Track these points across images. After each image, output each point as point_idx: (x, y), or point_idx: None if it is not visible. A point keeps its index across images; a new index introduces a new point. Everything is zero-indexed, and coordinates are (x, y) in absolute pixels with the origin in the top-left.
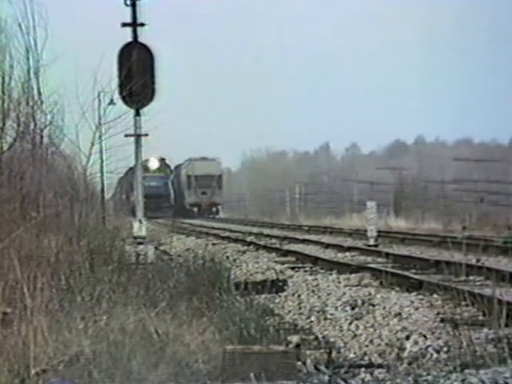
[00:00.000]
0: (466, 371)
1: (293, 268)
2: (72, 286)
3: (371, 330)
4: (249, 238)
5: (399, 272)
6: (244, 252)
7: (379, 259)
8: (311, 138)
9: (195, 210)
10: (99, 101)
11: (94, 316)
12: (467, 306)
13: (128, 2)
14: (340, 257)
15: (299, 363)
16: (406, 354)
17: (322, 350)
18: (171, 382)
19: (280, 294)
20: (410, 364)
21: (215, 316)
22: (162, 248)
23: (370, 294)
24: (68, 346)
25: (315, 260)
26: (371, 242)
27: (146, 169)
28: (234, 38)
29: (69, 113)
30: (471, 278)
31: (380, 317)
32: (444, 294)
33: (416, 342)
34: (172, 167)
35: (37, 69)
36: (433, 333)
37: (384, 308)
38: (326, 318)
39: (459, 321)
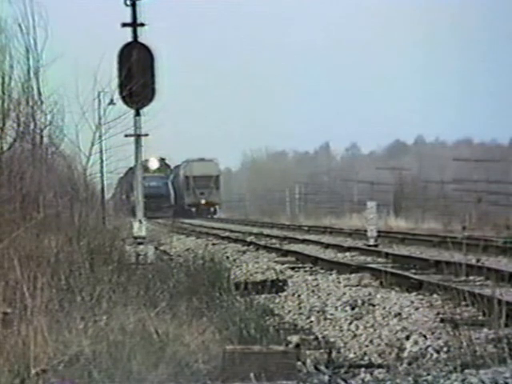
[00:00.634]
0: (466, 371)
1: (293, 268)
2: (72, 286)
3: (371, 330)
4: (249, 238)
5: (399, 272)
6: (244, 252)
7: (379, 259)
8: (311, 138)
9: (193, 210)
10: (99, 101)
11: (94, 316)
12: (467, 306)
13: (128, 2)
14: (340, 257)
15: (299, 363)
16: (405, 354)
17: (321, 350)
18: (171, 382)
19: (280, 294)
20: (409, 364)
21: (215, 316)
22: (161, 248)
23: (369, 294)
24: (68, 346)
25: (315, 260)
26: (371, 242)
27: (145, 169)
28: (234, 38)
29: (69, 113)
30: (471, 277)
31: (380, 317)
32: (444, 294)
33: (416, 342)
34: (172, 167)
35: (37, 69)
36: (433, 333)
37: (384, 308)
38: (325, 318)
39: (459, 321)
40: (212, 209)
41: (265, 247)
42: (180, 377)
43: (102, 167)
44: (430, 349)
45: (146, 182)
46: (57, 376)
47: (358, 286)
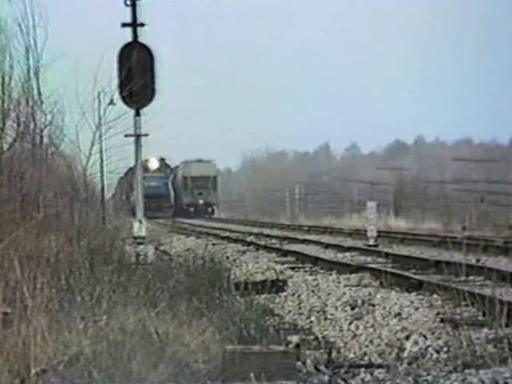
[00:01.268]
0: (466, 371)
1: (293, 268)
2: (72, 286)
3: (371, 330)
4: (249, 238)
5: (399, 272)
6: (244, 252)
7: (379, 259)
8: (311, 138)
9: (191, 209)
10: (99, 101)
11: (94, 316)
12: (467, 306)
13: (128, 2)
14: (340, 257)
15: (299, 363)
16: (405, 354)
17: (321, 350)
18: (171, 382)
19: (280, 294)
20: (409, 364)
21: (215, 316)
22: (161, 248)
23: (369, 294)
24: (68, 346)
25: (315, 260)
26: (371, 242)
27: (145, 169)
28: (234, 38)
29: (69, 113)
30: (471, 278)
31: (380, 317)
32: (444, 294)
33: (416, 342)
34: (172, 167)
35: (37, 69)
36: (433, 333)
37: (384, 308)
38: (325, 318)
39: (459, 321)
40: (210, 209)
41: (265, 247)
42: (180, 377)
43: (102, 167)
44: (430, 349)
45: (146, 182)
46: (57, 376)
47: (358, 286)
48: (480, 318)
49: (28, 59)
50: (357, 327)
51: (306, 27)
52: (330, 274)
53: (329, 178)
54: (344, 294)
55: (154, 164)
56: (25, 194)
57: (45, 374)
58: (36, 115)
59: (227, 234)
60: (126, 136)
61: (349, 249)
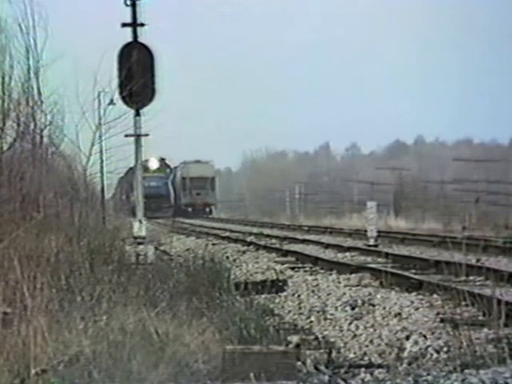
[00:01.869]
0: (466, 371)
1: (293, 268)
2: (72, 286)
3: (371, 330)
4: (249, 238)
5: (399, 272)
6: (244, 252)
7: (379, 259)
8: (311, 138)
9: (190, 209)
10: (99, 101)
11: (94, 316)
12: (467, 306)
13: (128, 2)
14: (340, 257)
15: (299, 363)
16: (405, 354)
17: (321, 350)
18: (171, 382)
19: (280, 294)
20: (409, 364)
21: (215, 316)
22: (162, 248)
23: (369, 294)
24: (68, 346)
25: (315, 260)
26: (371, 242)
27: (145, 169)
28: (234, 38)
29: (69, 113)
30: (471, 278)
31: (380, 317)
32: (444, 294)
33: (416, 342)
34: (172, 167)
35: (37, 69)
36: (433, 333)
37: (384, 308)
38: (325, 318)
39: (459, 321)
40: (208, 209)
41: (265, 247)
42: (180, 377)
43: (102, 167)
44: (429, 349)
45: (146, 182)
46: (57, 376)
47: (358, 286)
48: (480, 318)
49: (28, 59)
50: (357, 327)
51: (306, 27)
52: (330, 274)
53: (329, 177)
54: (344, 294)
55: (153, 164)
56: (25, 194)
57: (45, 374)
58: (36, 115)
59: (227, 234)
60: (126, 136)
61: (349, 249)
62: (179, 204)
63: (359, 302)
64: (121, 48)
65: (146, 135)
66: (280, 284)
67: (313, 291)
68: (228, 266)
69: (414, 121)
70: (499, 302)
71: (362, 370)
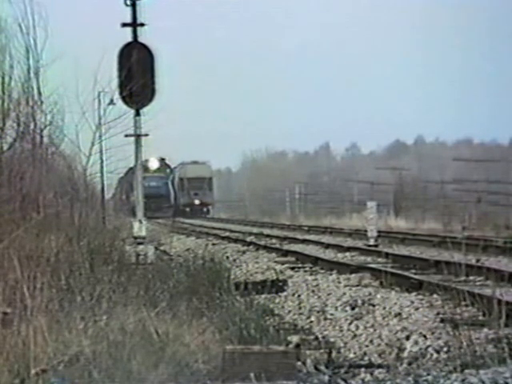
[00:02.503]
0: (466, 371)
1: (293, 268)
2: (72, 286)
3: (371, 330)
4: (249, 238)
5: (399, 272)
6: (244, 252)
7: (379, 259)
8: (311, 138)
9: (188, 209)
10: (99, 101)
11: (94, 316)
12: (467, 306)
13: (128, 2)
14: (340, 257)
15: (299, 363)
16: (405, 354)
17: (321, 350)
18: (171, 382)
19: (280, 294)
20: (409, 364)
21: (215, 316)
22: (162, 248)
23: (369, 294)
24: (68, 346)
25: (315, 260)
26: (371, 242)
27: (145, 169)
28: (234, 38)
29: (69, 113)
30: (471, 278)
31: (380, 317)
32: (444, 294)
33: (416, 342)
34: (172, 167)
35: (37, 69)
36: (433, 333)
37: (384, 308)
38: (325, 318)
39: (459, 321)
40: (205, 209)
41: (265, 247)
42: (180, 377)
43: (102, 167)
44: (430, 349)
45: (146, 182)
46: (57, 376)
47: (358, 286)
48: (480, 318)
49: (28, 59)
50: (357, 327)
51: (306, 27)
52: (330, 274)
53: (329, 177)
54: (344, 294)
55: (154, 164)
56: (25, 194)
57: (45, 374)
58: (36, 115)
59: (227, 234)
60: (126, 136)
61: (349, 249)
62: (177, 204)
63: (359, 302)
64: (121, 48)
65: (146, 135)
66: (280, 284)
67: (313, 291)
68: (228, 266)
69: (414, 121)
70: (499, 302)
71: (362, 370)
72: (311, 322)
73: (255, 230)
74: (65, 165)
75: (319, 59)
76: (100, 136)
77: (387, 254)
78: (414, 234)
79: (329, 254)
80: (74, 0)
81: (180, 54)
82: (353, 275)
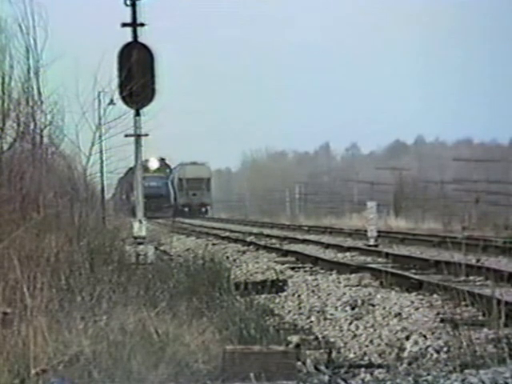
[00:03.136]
0: (466, 371)
1: (293, 268)
2: (72, 286)
3: (371, 330)
4: (249, 238)
5: (399, 272)
6: (244, 252)
7: (379, 259)
8: (311, 138)
9: (186, 209)
10: (99, 101)
11: (94, 316)
12: (467, 306)
13: (128, 2)
14: (340, 257)
15: (299, 363)
16: (405, 354)
17: (321, 350)
18: (171, 382)
19: (280, 294)
20: (409, 364)
21: (215, 316)
22: (162, 248)
23: (369, 294)
24: (68, 346)
25: (315, 260)
26: (371, 242)
27: (145, 169)
28: (234, 38)
29: (69, 113)
30: (471, 278)
31: (380, 317)
32: (444, 294)
33: (416, 342)
34: (172, 167)
35: (37, 69)
36: (433, 333)
37: (384, 308)
38: (325, 318)
39: (459, 321)
40: (203, 209)
41: (265, 247)
42: (180, 377)
43: (102, 167)
44: (430, 349)
45: (146, 182)
46: (57, 376)
47: (358, 286)
48: (480, 318)
49: (28, 59)
50: (357, 327)
51: (306, 27)
52: (330, 274)
53: (329, 178)
54: (344, 294)
55: (153, 164)
56: (25, 194)
57: (45, 374)
58: (36, 115)
59: (227, 234)
60: (126, 136)
61: (349, 249)
62: (176, 204)
63: (359, 302)
64: (121, 48)
65: (146, 135)
66: (280, 284)
67: (313, 291)
68: (228, 266)
69: (413, 121)
70: (499, 302)
71: (362, 370)
72: (311, 321)
73: (255, 230)
74: (65, 165)
75: (319, 59)
76: (100, 136)
77: (387, 254)
78: (413, 234)
79: (329, 254)
80: (73, 0)
81: (180, 54)
82: (353, 275)
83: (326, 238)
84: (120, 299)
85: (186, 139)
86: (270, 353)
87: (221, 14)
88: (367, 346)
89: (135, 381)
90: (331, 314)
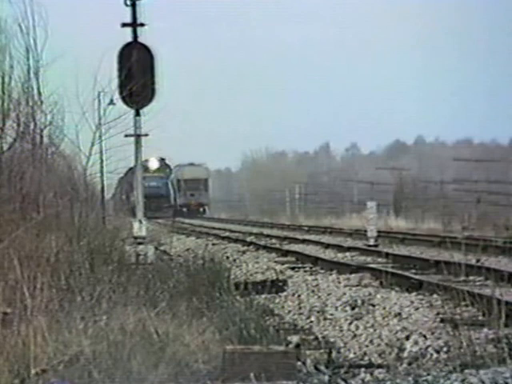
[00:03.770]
0: (466, 371)
1: (293, 268)
2: (72, 286)
3: (371, 330)
4: (249, 238)
5: (399, 272)
6: (244, 252)
7: (379, 259)
8: (311, 138)
9: (185, 210)
10: (99, 101)
11: (94, 316)
12: (467, 306)
13: (128, 2)
14: (340, 257)
15: (299, 363)
16: (405, 354)
17: (321, 350)
18: (171, 382)
19: (280, 294)
20: (409, 364)
21: (215, 316)
22: (162, 248)
23: (369, 294)
24: (68, 346)
25: (315, 260)
26: (371, 242)
27: (145, 169)
28: (234, 38)
29: (69, 113)
30: (471, 278)
31: (380, 317)
32: (444, 294)
33: (416, 342)
34: (172, 167)
35: (37, 69)
36: (433, 333)
37: (384, 308)
38: (325, 318)
39: (459, 321)
40: (201, 209)
41: (265, 247)
42: (180, 377)
43: (101, 167)
44: (429, 349)
45: (146, 182)
46: (57, 376)
47: (358, 286)
48: (480, 318)
49: (28, 59)
50: (357, 327)
51: (306, 27)
52: (330, 274)
53: (329, 178)
54: (344, 294)
55: (153, 164)
56: (25, 194)
57: (45, 374)
58: (36, 115)
59: (227, 234)
60: (126, 136)
61: (349, 249)
62: (176, 204)
63: (359, 301)
64: (121, 48)
65: (146, 135)
66: (280, 284)
67: (313, 291)
68: (228, 266)
69: (413, 121)
70: (499, 301)
71: (362, 370)
72: (311, 322)
73: (255, 230)
74: (65, 165)
75: (319, 59)
76: (100, 136)
77: (387, 254)
78: (413, 233)
79: (329, 254)
80: (73, 0)
81: (180, 54)
82: (353, 275)
83: (325, 238)
84: (120, 299)
85: (186, 139)
86: (270, 353)
87: (221, 14)
88: (367, 346)
89: (135, 381)
90: (331, 314)
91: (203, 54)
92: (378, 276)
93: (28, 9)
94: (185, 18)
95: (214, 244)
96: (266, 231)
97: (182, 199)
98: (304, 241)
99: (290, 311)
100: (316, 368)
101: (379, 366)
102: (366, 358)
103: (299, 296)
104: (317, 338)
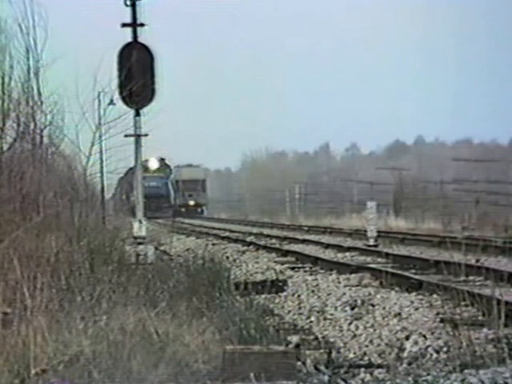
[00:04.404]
0: (466, 371)
1: (293, 268)
2: (72, 286)
3: (371, 330)
4: (249, 238)
5: (399, 272)
6: (244, 252)
7: (379, 259)
8: (311, 138)
9: (183, 210)
10: (99, 101)
11: (94, 316)
12: (467, 306)
13: (128, 2)
14: (340, 257)
15: (299, 363)
16: (405, 354)
17: (321, 350)
18: (171, 382)
19: (280, 294)
20: (409, 364)
21: (215, 316)
22: (161, 248)
23: (369, 294)
24: (68, 346)
25: (315, 260)
26: (371, 242)
27: (145, 169)
28: (235, 38)
29: (69, 113)
30: (471, 278)
31: (380, 317)
32: (444, 294)
33: (416, 342)
34: (172, 167)
35: (37, 69)
36: (432, 333)
37: (384, 308)
38: (325, 318)
39: (459, 321)
40: (199, 209)
41: (265, 247)
42: (180, 377)
43: (101, 167)
44: (429, 349)
45: (146, 182)
46: (57, 376)
47: (357, 286)
48: (480, 318)
49: (28, 59)
50: (357, 327)
51: (306, 28)
52: (330, 274)
53: (329, 178)
54: (344, 294)
55: (153, 164)
56: (25, 194)
57: (45, 374)
58: (36, 115)
59: (227, 234)
60: (126, 136)
61: (349, 249)
62: (175, 204)
63: (359, 301)
64: (121, 48)
65: (146, 135)
66: (280, 284)
67: (313, 291)
68: (228, 266)
69: (414, 121)
70: (499, 302)
71: (362, 370)
72: (311, 322)
73: (255, 230)
74: (65, 165)
75: (319, 59)
76: (100, 136)
77: (387, 254)
78: (413, 234)
79: (329, 254)
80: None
81: (180, 54)
82: (353, 275)
83: (325, 238)
84: (120, 299)
85: (186, 139)
86: (270, 353)
87: (221, 14)
88: (367, 346)
89: (135, 381)
90: (331, 314)
91: (203, 54)
92: (378, 276)
93: (28, 9)
94: (185, 18)
95: (213, 244)
96: (265, 231)
97: (180, 199)
98: (304, 241)
99: (289, 311)
100: (316, 368)
101: (379, 366)
102: (366, 358)
103: (299, 296)
104: (317, 338)
